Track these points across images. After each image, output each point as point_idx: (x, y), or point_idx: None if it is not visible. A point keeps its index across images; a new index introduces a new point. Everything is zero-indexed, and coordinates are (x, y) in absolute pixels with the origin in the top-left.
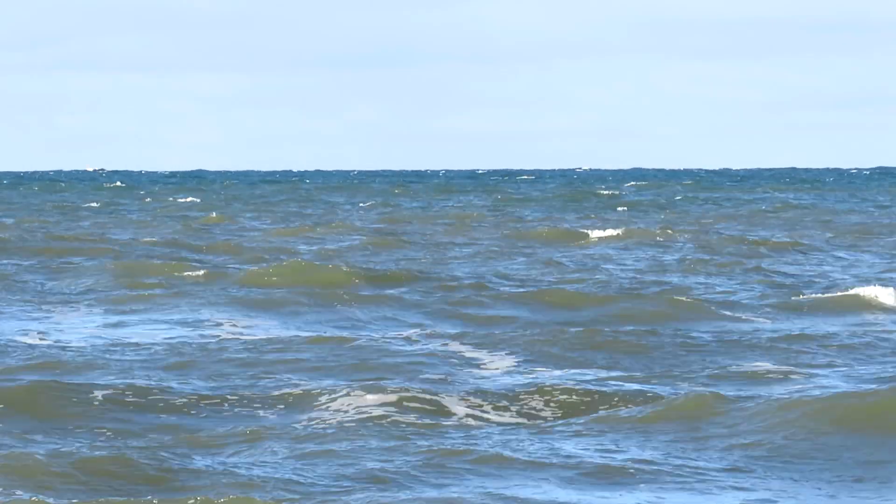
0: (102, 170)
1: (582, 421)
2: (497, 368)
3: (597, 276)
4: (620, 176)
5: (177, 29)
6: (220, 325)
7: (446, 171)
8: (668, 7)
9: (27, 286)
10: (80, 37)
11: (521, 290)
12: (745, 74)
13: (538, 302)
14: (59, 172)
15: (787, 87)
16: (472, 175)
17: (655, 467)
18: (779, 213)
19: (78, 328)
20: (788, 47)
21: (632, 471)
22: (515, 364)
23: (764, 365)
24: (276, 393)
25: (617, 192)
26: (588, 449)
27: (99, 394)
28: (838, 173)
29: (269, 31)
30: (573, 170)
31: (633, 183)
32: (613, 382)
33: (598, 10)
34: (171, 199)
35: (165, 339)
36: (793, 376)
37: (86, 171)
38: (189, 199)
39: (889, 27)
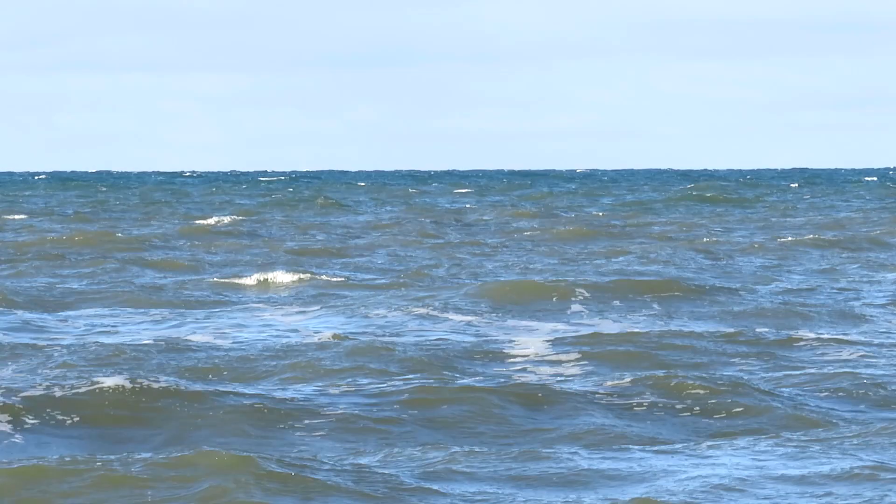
0: (105, 170)
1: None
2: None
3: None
4: (628, 176)
5: (177, 29)
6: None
7: (451, 170)
8: (668, 7)
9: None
10: (80, 37)
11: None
12: (745, 74)
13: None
14: (63, 173)
15: (787, 87)
16: (476, 175)
17: None
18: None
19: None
20: (788, 47)
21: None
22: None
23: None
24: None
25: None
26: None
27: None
28: (844, 174)
29: (269, 31)
30: (573, 170)
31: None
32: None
33: (598, 10)
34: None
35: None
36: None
37: (87, 171)
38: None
39: (889, 27)
